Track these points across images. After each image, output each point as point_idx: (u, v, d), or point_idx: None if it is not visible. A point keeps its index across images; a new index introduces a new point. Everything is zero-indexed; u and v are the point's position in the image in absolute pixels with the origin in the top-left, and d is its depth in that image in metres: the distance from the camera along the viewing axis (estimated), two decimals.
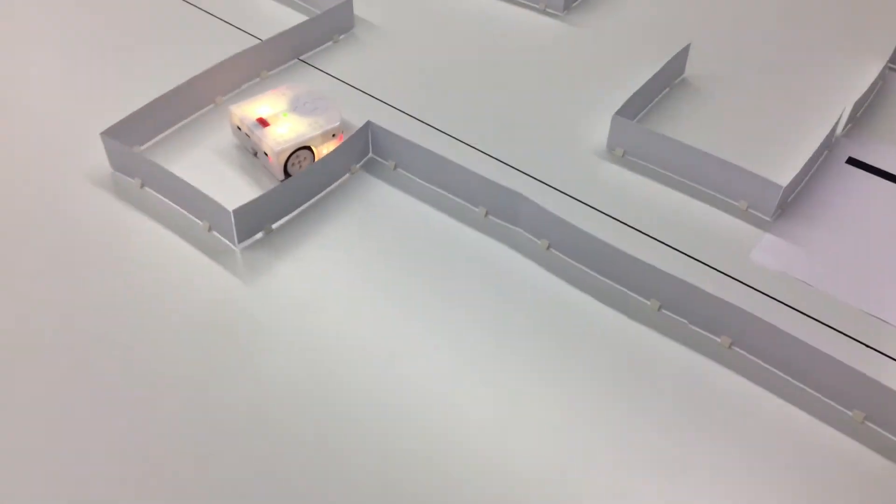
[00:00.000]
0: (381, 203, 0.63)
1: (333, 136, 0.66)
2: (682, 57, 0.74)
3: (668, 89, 0.74)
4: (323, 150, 0.65)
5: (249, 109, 0.66)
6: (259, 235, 0.60)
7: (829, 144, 0.68)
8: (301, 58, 0.76)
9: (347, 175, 0.65)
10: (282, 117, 0.66)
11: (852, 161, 0.67)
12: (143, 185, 0.63)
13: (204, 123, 0.70)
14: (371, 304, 0.56)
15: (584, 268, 0.59)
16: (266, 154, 0.63)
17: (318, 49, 0.77)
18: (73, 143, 0.67)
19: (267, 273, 0.58)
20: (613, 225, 0.61)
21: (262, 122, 0.65)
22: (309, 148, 0.65)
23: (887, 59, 0.73)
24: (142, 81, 0.72)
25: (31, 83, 0.74)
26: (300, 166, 0.65)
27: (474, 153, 0.67)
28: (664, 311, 0.56)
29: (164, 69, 0.72)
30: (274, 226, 0.61)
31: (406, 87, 0.73)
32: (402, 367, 0.52)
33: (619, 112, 0.66)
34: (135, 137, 0.66)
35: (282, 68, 0.75)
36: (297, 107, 0.67)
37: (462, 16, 0.82)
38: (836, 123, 0.68)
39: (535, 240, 0.60)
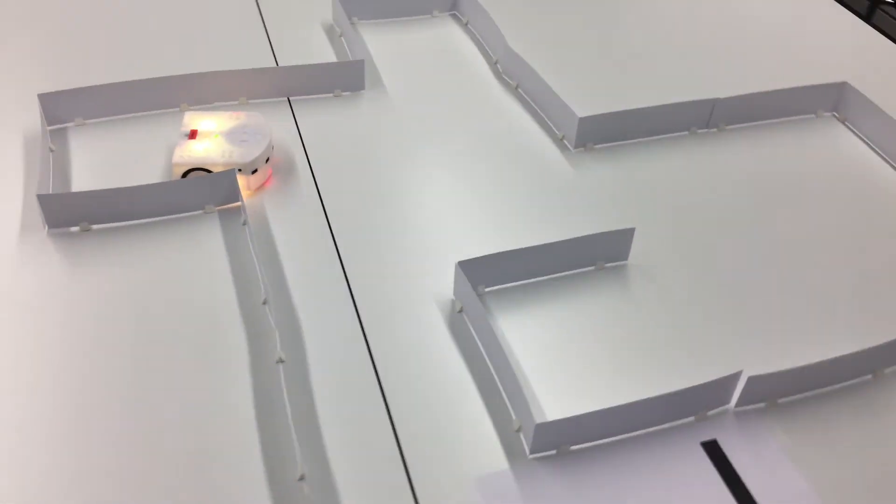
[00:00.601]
0: (197, 250, 0.61)
1: (240, 170, 0.65)
2: (624, 239, 0.61)
3: (592, 267, 0.61)
4: None
5: (196, 120, 0.68)
6: (74, 229, 0.62)
7: (692, 411, 0.51)
8: (291, 97, 0.76)
9: (200, 212, 0.64)
10: (211, 137, 0.67)
11: (710, 448, 0.50)
12: (51, 151, 0.68)
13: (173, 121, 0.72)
14: (94, 350, 0.54)
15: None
16: None
17: (312, 96, 0.76)
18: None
19: (42, 266, 0.59)
20: (370, 389, 0.53)
21: (192, 134, 0.66)
22: (210, 172, 0.65)
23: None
24: (135, 60, 0.77)
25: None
26: None
27: (330, 257, 0.62)
28: None
29: (163, 56, 0.77)
30: (96, 227, 0.62)
31: (347, 165, 0.70)
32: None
33: (463, 263, 0.57)
34: (82, 110, 0.71)
35: (265, 101, 0.75)
36: (233, 133, 0.67)
37: (480, 117, 0.75)
38: (726, 392, 0.51)
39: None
